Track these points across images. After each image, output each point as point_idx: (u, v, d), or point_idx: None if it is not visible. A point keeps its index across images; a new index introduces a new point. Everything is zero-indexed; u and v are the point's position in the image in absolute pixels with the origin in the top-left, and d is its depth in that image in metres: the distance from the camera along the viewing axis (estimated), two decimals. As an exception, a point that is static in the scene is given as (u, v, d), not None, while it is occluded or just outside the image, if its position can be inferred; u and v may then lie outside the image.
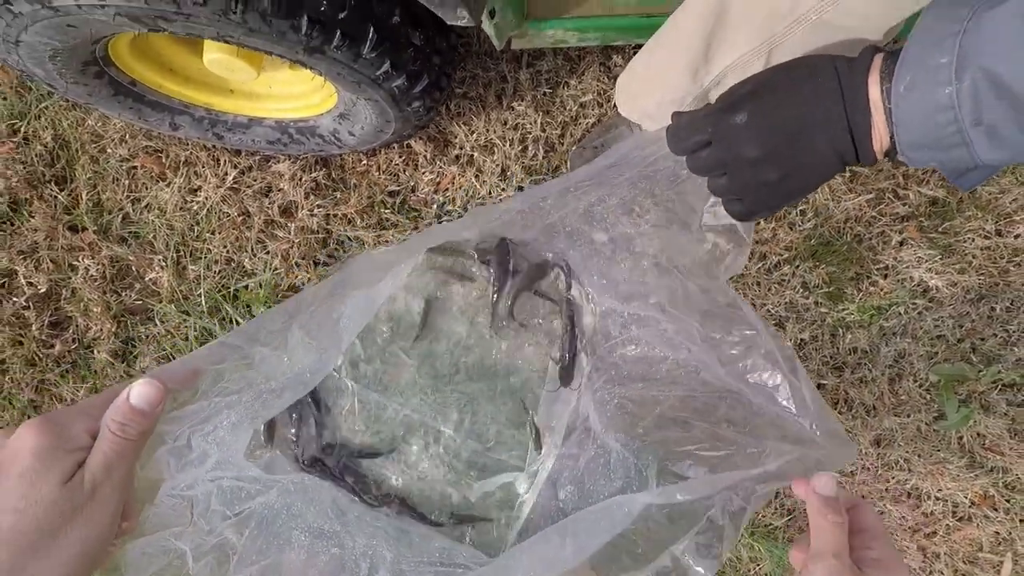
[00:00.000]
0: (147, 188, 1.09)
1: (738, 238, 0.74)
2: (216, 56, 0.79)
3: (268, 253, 1.09)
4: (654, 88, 0.81)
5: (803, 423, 0.60)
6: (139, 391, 0.38)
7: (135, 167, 1.10)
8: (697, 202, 0.72)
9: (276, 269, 1.08)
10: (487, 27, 0.79)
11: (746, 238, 0.72)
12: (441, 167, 1.11)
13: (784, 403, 0.64)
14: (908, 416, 1.13)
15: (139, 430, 0.37)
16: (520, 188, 1.11)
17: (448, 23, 0.67)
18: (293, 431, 0.96)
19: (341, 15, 0.66)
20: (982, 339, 1.15)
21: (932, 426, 1.13)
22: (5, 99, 1.09)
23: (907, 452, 1.12)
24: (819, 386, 1.14)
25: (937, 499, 1.12)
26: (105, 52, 0.78)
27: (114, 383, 1.09)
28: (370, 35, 0.69)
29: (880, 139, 0.45)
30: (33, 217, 1.08)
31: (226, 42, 0.68)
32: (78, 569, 0.34)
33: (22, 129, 1.09)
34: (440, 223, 1.12)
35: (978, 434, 1.14)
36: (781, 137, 0.46)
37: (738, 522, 0.58)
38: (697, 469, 0.70)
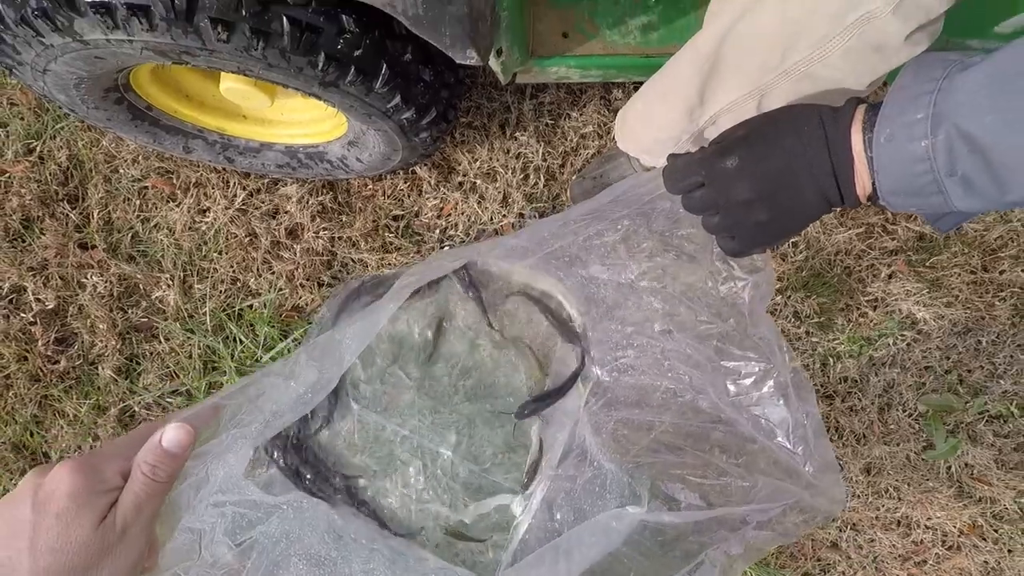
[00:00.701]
0: (157, 208, 1.12)
1: (751, 264, 0.76)
2: (232, 85, 0.83)
3: (273, 274, 1.11)
4: (652, 125, 0.84)
5: (798, 462, 0.62)
6: (171, 435, 0.40)
7: (146, 187, 1.13)
8: (702, 236, 0.75)
9: (281, 289, 1.11)
10: (494, 64, 0.82)
11: (760, 264, 0.74)
12: (445, 193, 1.14)
13: (781, 439, 0.66)
14: (897, 445, 1.15)
15: (169, 472, 0.39)
16: (521, 215, 1.14)
17: (457, 62, 0.71)
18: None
19: (356, 53, 0.69)
20: (969, 371, 1.17)
21: (921, 455, 1.15)
22: (23, 119, 1.12)
23: (897, 480, 1.14)
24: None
25: (927, 528, 1.14)
26: (126, 80, 0.81)
27: (117, 400, 1.10)
28: (383, 71, 0.72)
29: (863, 185, 0.48)
30: (44, 234, 1.10)
31: (245, 75, 0.72)
32: None
33: (38, 148, 1.12)
34: (443, 248, 1.15)
35: (966, 464, 1.16)
36: (770, 181, 0.49)
37: (735, 567, 0.60)
38: (688, 494, 0.72)
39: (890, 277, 1.17)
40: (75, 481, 0.35)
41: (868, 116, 0.46)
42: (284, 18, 0.63)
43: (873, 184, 0.47)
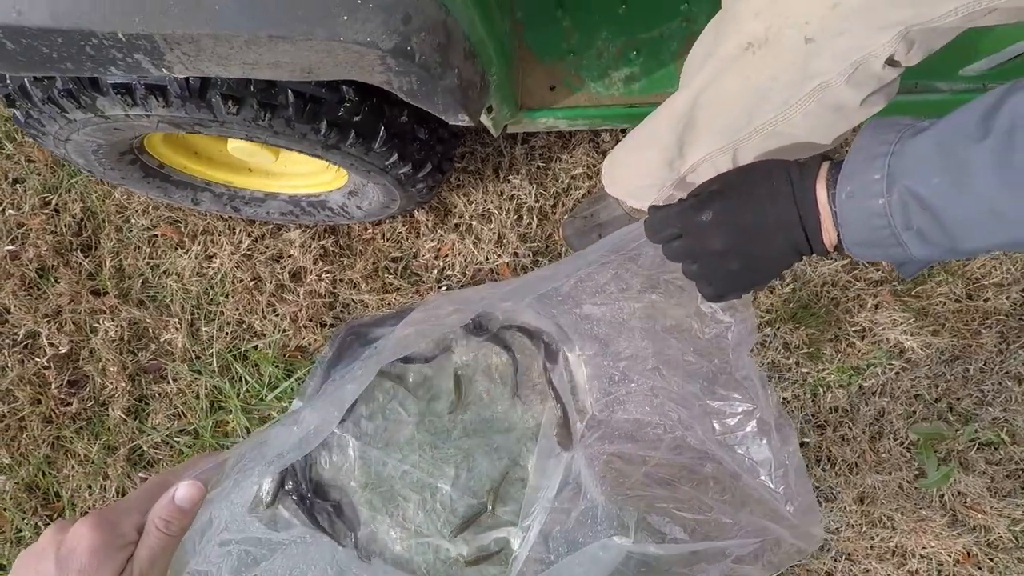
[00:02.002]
0: (166, 255, 1.17)
1: (732, 308, 0.80)
2: (240, 144, 0.88)
3: (277, 315, 1.15)
4: (635, 174, 0.89)
5: (779, 500, 0.65)
6: (183, 493, 0.43)
7: (156, 236, 1.18)
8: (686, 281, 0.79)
9: (285, 330, 1.15)
10: (485, 120, 0.87)
11: (741, 308, 0.78)
12: (442, 235, 1.18)
13: (764, 477, 0.69)
14: (890, 474, 1.17)
15: (181, 526, 0.43)
16: (515, 255, 1.18)
17: (450, 123, 0.76)
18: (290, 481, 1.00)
19: (356, 118, 0.74)
20: (958, 399, 1.20)
21: (913, 484, 1.17)
22: (39, 175, 1.18)
23: (890, 509, 1.16)
24: (802, 443, 1.18)
25: (922, 557, 1.15)
26: (140, 143, 0.87)
27: (126, 440, 1.13)
28: (381, 133, 0.77)
29: (829, 235, 0.52)
30: (59, 282, 1.15)
31: (253, 141, 0.77)
32: None
33: (53, 201, 1.18)
34: (440, 287, 1.19)
35: (959, 492, 1.17)
36: (741, 233, 0.53)
37: None
38: (674, 527, 0.74)
39: (876, 307, 1.20)
40: (94, 537, 0.38)
41: (831, 173, 0.50)
42: (289, 91, 0.68)
43: (839, 235, 0.51)
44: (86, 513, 0.41)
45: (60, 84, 0.65)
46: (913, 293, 1.21)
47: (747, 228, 0.53)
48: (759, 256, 0.54)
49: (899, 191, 0.45)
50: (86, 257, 1.17)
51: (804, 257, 0.55)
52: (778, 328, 1.19)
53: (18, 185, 1.19)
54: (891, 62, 0.54)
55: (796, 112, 0.61)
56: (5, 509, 1.11)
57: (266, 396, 1.14)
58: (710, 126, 0.68)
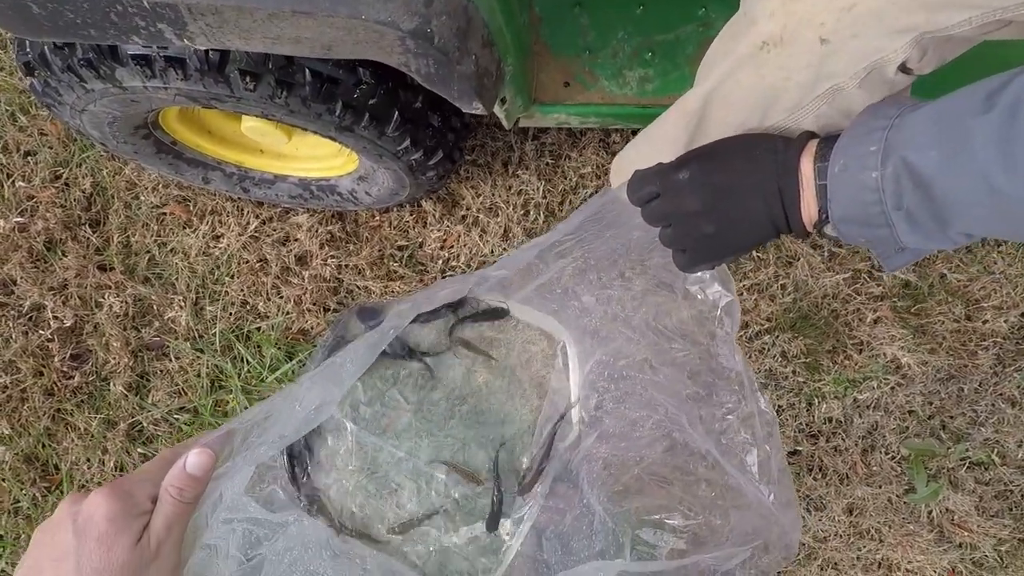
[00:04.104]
0: (174, 233, 1.18)
1: (717, 292, 0.80)
2: (253, 124, 0.89)
3: (282, 298, 1.16)
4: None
5: (763, 493, 0.66)
6: (194, 460, 0.44)
7: (164, 214, 1.18)
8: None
9: (288, 313, 1.15)
10: (498, 111, 0.88)
11: (728, 293, 0.78)
12: (448, 226, 1.19)
13: (749, 470, 0.70)
14: (880, 487, 1.17)
15: (194, 494, 0.43)
16: (520, 250, 1.19)
17: (464, 111, 0.77)
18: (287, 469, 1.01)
19: (371, 101, 0.75)
20: (951, 417, 1.20)
21: (903, 498, 1.18)
22: (51, 148, 1.19)
23: (878, 522, 1.16)
24: (794, 452, 1.19)
25: (907, 571, 1.16)
26: (155, 118, 0.87)
27: (126, 415, 1.14)
28: (395, 118, 0.78)
29: (808, 210, 0.51)
30: (66, 256, 1.16)
31: (267, 119, 0.78)
32: None
33: (64, 175, 1.18)
34: (444, 278, 1.20)
35: (947, 509, 1.18)
36: (717, 194, 0.53)
37: None
38: (666, 536, 0.75)
39: (875, 322, 1.21)
40: (111, 506, 0.39)
41: (821, 148, 0.50)
42: (306, 70, 0.69)
43: (820, 211, 0.50)
44: (85, 486, 0.42)
45: (80, 53, 0.66)
46: (912, 311, 1.22)
47: (723, 189, 0.53)
48: (734, 220, 0.53)
49: (894, 163, 0.44)
50: (94, 232, 1.17)
51: (781, 235, 0.54)
52: (777, 336, 1.19)
53: (29, 158, 1.20)
54: (904, 68, 0.55)
55: (808, 115, 0.61)
56: (3, 480, 1.12)
57: (267, 377, 1.15)
58: (722, 124, 0.69)
